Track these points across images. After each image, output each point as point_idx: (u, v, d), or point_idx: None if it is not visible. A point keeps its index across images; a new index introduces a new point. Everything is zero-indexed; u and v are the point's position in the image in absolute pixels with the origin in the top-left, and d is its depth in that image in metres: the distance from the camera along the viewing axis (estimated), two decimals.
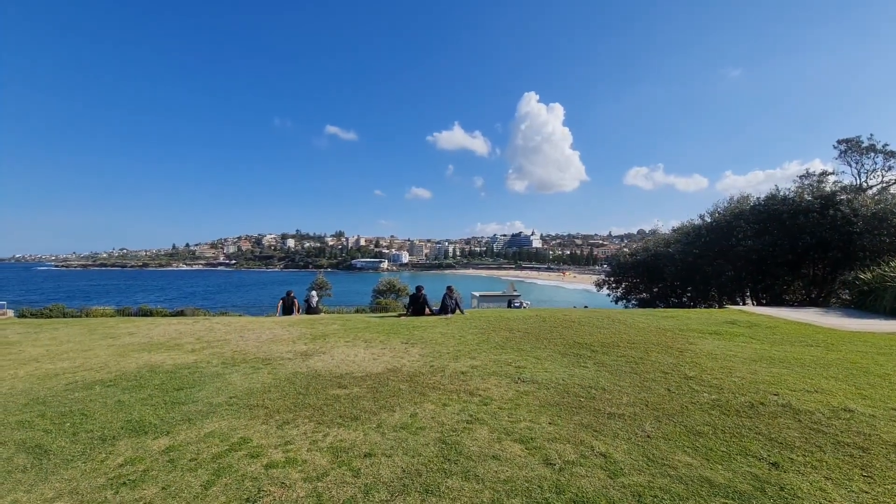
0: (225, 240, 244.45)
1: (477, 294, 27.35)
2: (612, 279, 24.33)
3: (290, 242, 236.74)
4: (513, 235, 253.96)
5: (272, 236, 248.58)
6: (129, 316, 14.73)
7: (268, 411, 3.92)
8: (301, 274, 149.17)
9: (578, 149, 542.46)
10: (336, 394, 4.39)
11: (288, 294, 13.66)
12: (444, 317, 10.60)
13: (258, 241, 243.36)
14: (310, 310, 13.44)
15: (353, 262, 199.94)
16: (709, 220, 19.29)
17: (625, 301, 23.10)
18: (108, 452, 3.16)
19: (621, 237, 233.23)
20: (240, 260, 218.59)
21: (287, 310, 13.35)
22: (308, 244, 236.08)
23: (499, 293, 29.30)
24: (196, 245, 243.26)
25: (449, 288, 11.57)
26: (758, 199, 17.87)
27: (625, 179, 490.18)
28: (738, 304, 16.19)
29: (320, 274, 30.30)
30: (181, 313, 15.41)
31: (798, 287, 16.81)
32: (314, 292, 14.50)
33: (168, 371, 5.43)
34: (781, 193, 16.87)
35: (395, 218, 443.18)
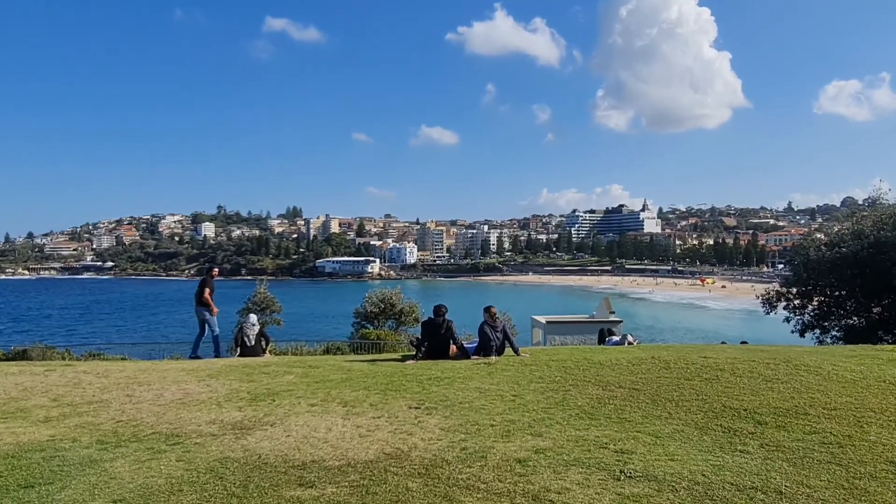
0: (95, 226, 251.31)
1: (542, 320, 27.26)
2: (792, 291, 23.82)
3: (208, 229, 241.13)
4: (607, 211, 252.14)
5: (176, 218, 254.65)
6: None
7: None
8: (228, 285, 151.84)
9: (729, 49, 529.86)
10: (296, 496, 4.49)
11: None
12: (482, 360, 10.65)
13: (152, 228, 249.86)
14: (245, 349, 13.76)
15: (320, 263, 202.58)
16: None
17: (818, 331, 22.62)
18: None
19: (811, 212, 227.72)
20: (121, 261, 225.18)
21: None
22: (239, 231, 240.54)
23: (583, 318, 29.10)
24: (46, 236, 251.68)
25: (489, 310, 11.59)
26: None
27: (817, 105, 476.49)
28: None
29: (261, 285, 30.71)
30: (23, 355, 16.05)
31: None
32: (252, 317, 14.83)
33: (7, 455, 5.67)
34: None
35: (394, 183, 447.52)
